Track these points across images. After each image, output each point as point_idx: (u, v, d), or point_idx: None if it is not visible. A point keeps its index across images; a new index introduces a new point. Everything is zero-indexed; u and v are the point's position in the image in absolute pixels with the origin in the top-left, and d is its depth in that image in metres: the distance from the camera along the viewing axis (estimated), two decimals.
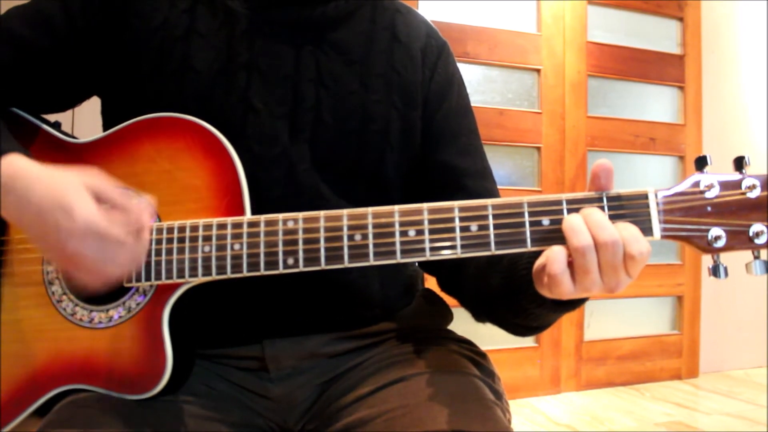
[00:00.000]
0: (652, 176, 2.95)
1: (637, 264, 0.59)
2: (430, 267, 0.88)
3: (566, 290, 0.60)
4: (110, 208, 0.65)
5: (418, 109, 0.84)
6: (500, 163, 2.68)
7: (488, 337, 0.79)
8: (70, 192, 0.63)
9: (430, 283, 0.94)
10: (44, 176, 0.65)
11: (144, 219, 0.66)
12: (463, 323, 0.89)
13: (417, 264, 0.92)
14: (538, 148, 2.72)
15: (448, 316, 0.91)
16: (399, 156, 0.83)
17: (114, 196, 0.66)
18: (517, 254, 0.68)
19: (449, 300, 0.92)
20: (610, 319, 2.85)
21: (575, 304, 0.66)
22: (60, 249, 0.63)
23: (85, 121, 1.44)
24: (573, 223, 0.59)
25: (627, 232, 0.59)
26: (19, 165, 0.66)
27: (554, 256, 0.59)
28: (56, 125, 0.80)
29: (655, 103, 2.97)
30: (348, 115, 0.79)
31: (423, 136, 0.85)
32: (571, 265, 0.60)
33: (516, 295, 0.69)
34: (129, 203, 0.66)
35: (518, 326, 0.75)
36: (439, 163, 0.85)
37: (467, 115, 0.90)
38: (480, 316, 0.81)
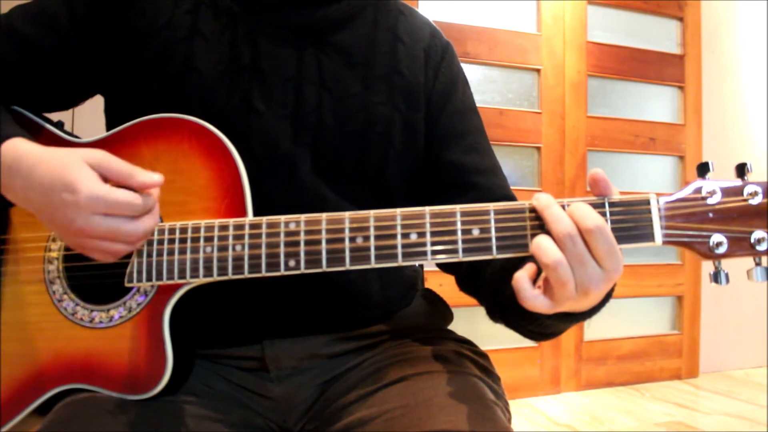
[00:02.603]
0: (652, 176, 2.95)
1: (598, 242, 0.58)
2: (448, 267, 0.88)
3: (545, 308, 0.60)
4: (115, 184, 0.65)
5: (421, 110, 0.84)
6: (500, 163, 2.66)
7: (488, 337, 0.79)
8: (71, 168, 0.64)
9: (430, 283, 0.94)
10: (46, 156, 0.66)
11: (150, 201, 0.66)
12: (463, 323, 0.90)
13: (422, 265, 0.92)
14: (538, 148, 2.72)
15: (448, 316, 0.91)
16: (402, 158, 0.83)
17: (119, 169, 0.65)
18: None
19: (449, 300, 0.92)
20: (610, 319, 2.85)
21: (582, 316, 0.66)
22: (68, 226, 0.63)
23: (85, 120, 1.44)
24: (539, 243, 0.59)
25: (578, 211, 0.59)
26: (23, 148, 0.68)
27: (518, 285, 0.60)
28: (59, 125, 0.81)
29: (655, 103, 2.97)
30: (350, 118, 0.79)
31: (429, 136, 0.85)
32: (544, 283, 0.60)
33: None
34: (134, 178, 0.66)
35: (532, 332, 0.75)
36: (447, 163, 0.85)
37: (473, 115, 0.90)
38: (495, 317, 0.80)
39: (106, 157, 0.66)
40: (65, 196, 0.63)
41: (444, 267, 0.88)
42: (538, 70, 2.73)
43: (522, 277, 0.60)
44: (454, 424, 0.65)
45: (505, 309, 0.75)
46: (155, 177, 0.66)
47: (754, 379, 2.91)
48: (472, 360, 0.80)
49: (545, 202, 0.60)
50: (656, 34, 2.97)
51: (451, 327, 0.91)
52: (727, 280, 0.61)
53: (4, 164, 0.67)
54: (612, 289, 0.64)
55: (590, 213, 0.59)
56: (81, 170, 0.64)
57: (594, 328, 2.82)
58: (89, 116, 1.20)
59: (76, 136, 0.78)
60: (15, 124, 0.73)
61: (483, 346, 0.85)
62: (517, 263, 0.70)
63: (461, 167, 0.85)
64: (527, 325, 0.73)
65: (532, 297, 0.60)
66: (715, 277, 0.62)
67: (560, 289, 0.59)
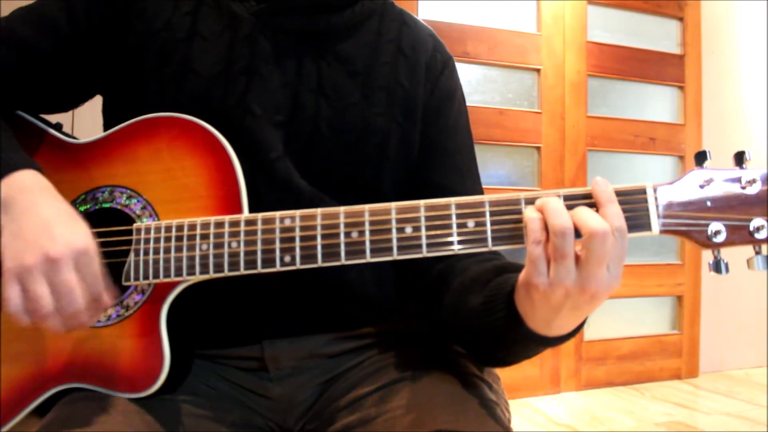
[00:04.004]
0: (652, 176, 2.94)
1: (623, 241, 0.57)
2: (413, 282, 0.86)
3: (541, 270, 0.58)
4: None
5: (418, 123, 0.83)
6: (500, 163, 2.67)
7: None
8: (84, 227, 0.66)
9: None
10: (65, 201, 0.68)
11: (108, 298, 0.66)
12: None
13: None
14: (538, 148, 2.72)
15: None
16: (396, 170, 0.82)
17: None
18: (507, 278, 0.67)
19: None
20: (610, 319, 2.85)
21: (548, 341, 0.64)
22: (47, 252, 0.61)
23: (84, 121, 1.44)
24: (554, 206, 0.58)
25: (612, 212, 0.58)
26: (43, 183, 0.68)
27: (532, 225, 0.58)
28: (58, 126, 0.81)
29: (655, 103, 2.97)
30: (347, 128, 0.79)
31: (417, 150, 0.84)
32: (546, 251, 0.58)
33: (494, 314, 0.66)
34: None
35: (485, 353, 0.73)
36: (428, 181, 0.84)
37: (464, 133, 0.89)
38: (451, 335, 0.79)
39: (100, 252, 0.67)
40: (68, 233, 0.63)
41: (410, 282, 0.87)
42: (538, 70, 2.73)
43: (535, 218, 0.59)
44: (454, 424, 0.65)
45: (468, 320, 0.71)
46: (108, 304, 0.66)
47: (754, 379, 2.91)
48: (471, 360, 0.80)
49: (565, 226, 0.58)
50: (656, 34, 2.97)
51: None
52: (727, 270, 0.60)
53: (17, 188, 0.66)
54: (582, 324, 0.64)
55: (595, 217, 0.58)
56: (89, 234, 0.65)
57: (594, 328, 2.82)
58: (88, 118, 1.20)
59: (74, 137, 0.78)
60: (24, 152, 0.72)
61: None
62: (491, 278, 0.69)
63: (439, 187, 0.84)
64: (486, 342, 0.70)
65: (539, 257, 0.58)
66: (715, 267, 0.61)
67: (560, 261, 0.57)
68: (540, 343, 0.64)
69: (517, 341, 0.65)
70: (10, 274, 0.62)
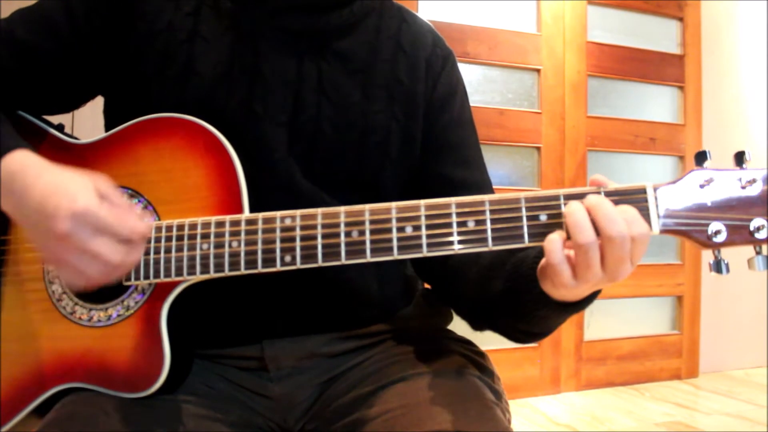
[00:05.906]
0: (652, 176, 2.94)
1: (639, 247, 0.59)
2: (426, 274, 0.88)
3: (567, 281, 0.60)
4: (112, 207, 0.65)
5: (419, 120, 0.83)
6: (500, 163, 2.67)
7: (488, 337, 0.78)
8: (76, 182, 0.64)
9: None
10: (53, 168, 0.67)
11: (141, 228, 0.65)
12: (462, 323, 0.89)
13: (413, 270, 0.92)
14: (538, 148, 2.72)
15: (448, 317, 0.91)
16: (398, 167, 0.82)
17: (117, 199, 0.66)
18: (522, 256, 0.68)
19: None
20: (610, 319, 2.85)
21: (580, 305, 0.66)
22: (54, 230, 0.62)
23: (85, 122, 1.44)
24: (577, 219, 0.59)
25: (629, 215, 0.59)
26: (30, 160, 0.68)
27: (551, 246, 0.59)
28: (60, 127, 0.81)
29: (655, 103, 2.97)
30: (348, 126, 0.79)
31: (422, 145, 0.84)
32: (570, 256, 0.60)
33: (520, 296, 0.68)
34: (130, 208, 0.66)
35: (520, 332, 0.74)
36: (437, 175, 0.85)
37: (468, 127, 0.89)
38: (479, 323, 0.80)
39: (108, 187, 0.66)
40: (63, 201, 0.62)
41: (422, 274, 0.88)
42: (538, 70, 2.73)
43: (555, 239, 0.59)
44: (454, 424, 0.65)
45: (494, 307, 0.74)
46: (143, 226, 0.66)
47: (754, 379, 2.91)
48: (471, 360, 0.80)
49: (587, 241, 0.59)
50: (656, 34, 2.97)
51: (451, 327, 0.90)
52: (728, 270, 0.60)
53: (7, 173, 0.66)
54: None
55: (616, 218, 0.59)
56: (84, 187, 0.64)
57: (594, 328, 2.82)
58: (89, 119, 1.20)
59: (76, 138, 0.79)
60: (17, 134, 0.72)
61: (483, 346, 0.85)
62: (506, 260, 0.70)
63: (449, 181, 0.84)
64: (516, 323, 0.72)
65: (560, 261, 0.59)
66: (716, 267, 0.61)
67: (585, 270, 0.59)
68: (576, 308, 0.66)
69: (550, 314, 0.68)
70: (53, 265, 0.65)
